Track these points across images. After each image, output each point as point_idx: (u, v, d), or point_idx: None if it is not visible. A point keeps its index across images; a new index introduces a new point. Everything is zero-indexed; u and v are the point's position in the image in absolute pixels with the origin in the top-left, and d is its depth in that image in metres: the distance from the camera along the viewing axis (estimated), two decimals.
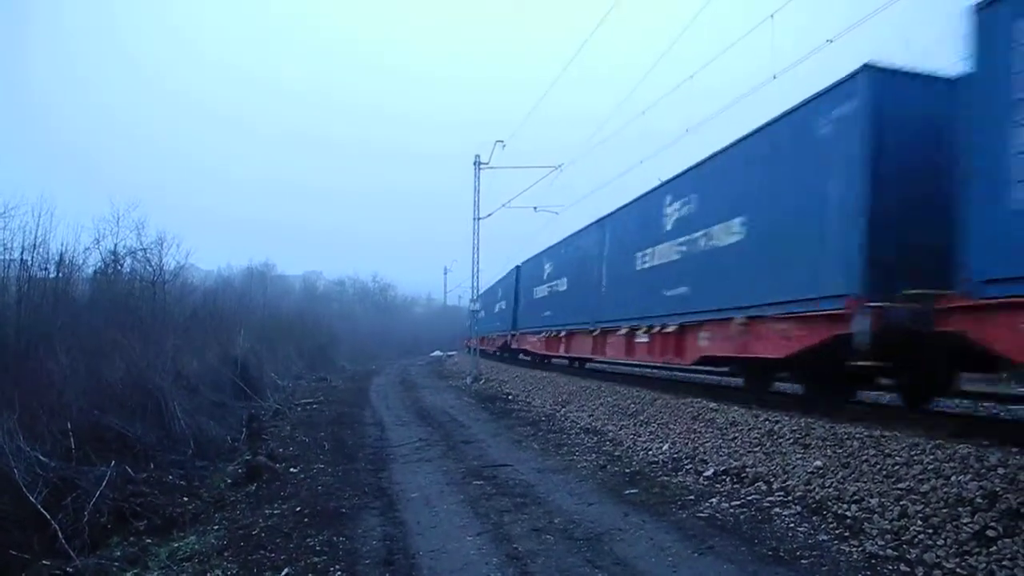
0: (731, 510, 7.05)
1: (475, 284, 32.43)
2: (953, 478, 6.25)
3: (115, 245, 24.47)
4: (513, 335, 33.39)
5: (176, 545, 7.23)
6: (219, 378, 18.95)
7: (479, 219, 30.61)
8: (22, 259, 19.16)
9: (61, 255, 20.50)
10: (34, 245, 19.33)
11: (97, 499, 8.23)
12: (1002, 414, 11.94)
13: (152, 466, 10.31)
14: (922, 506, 6.03)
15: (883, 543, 5.72)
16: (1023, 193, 6.86)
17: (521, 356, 34.97)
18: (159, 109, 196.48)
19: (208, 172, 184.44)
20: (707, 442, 9.88)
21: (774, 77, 13.09)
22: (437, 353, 63.05)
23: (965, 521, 5.60)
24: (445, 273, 76.96)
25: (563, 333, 23.83)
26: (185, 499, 9.09)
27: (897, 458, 7.06)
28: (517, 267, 33.53)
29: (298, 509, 7.89)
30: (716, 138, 13.42)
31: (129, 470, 9.46)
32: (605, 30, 22.75)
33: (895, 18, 11.46)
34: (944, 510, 5.85)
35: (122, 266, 24.82)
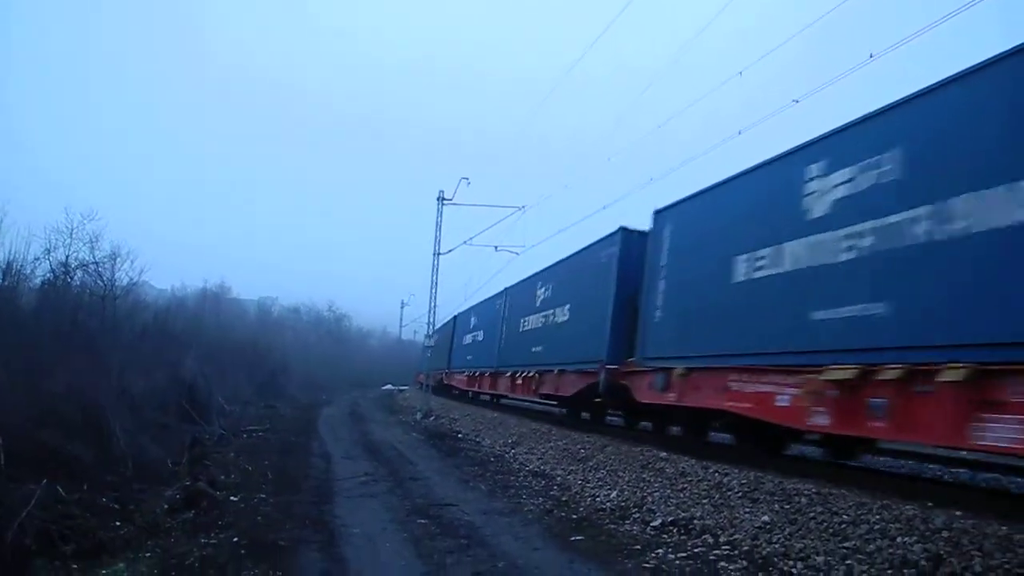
0: (677, 562, 6.96)
1: (432, 319, 32.28)
2: (899, 539, 6.26)
3: (67, 257, 23.92)
4: (498, 372, 25.65)
5: (104, 572, 6.95)
6: (165, 399, 18.44)
7: (439, 254, 30.58)
8: None
9: (8, 263, 19.94)
10: None
11: (23, 519, 7.89)
12: (945, 476, 12.04)
13: (86, 487, 9.89)
14: (868, 566, 6.03)
15: None
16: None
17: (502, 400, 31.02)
18: (123, 121, 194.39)
19: (169, 187, 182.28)
20: (656, 491, 9.80)
21: (739, 133, 13.31)
22: (389, 387, 62.52)
23: None
24: (402, 307, 76.68)
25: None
26: (118, 523, 8.74)
27: (844, 516, 7.07)
28: (506, 289, 27.37)
29: (235, 540, 7.64)
30: (681, 187, 13.53)
31: (60, 490, 9.09)
32: (573, 77, 23.11)
33: (861, 79, 11.70)
34: (889, 571, 5.86)
35: (72, 279, 24.23)
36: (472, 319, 33.15)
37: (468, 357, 32.97)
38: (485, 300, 30.98)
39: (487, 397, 32.69)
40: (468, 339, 33.78)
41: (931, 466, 13.04)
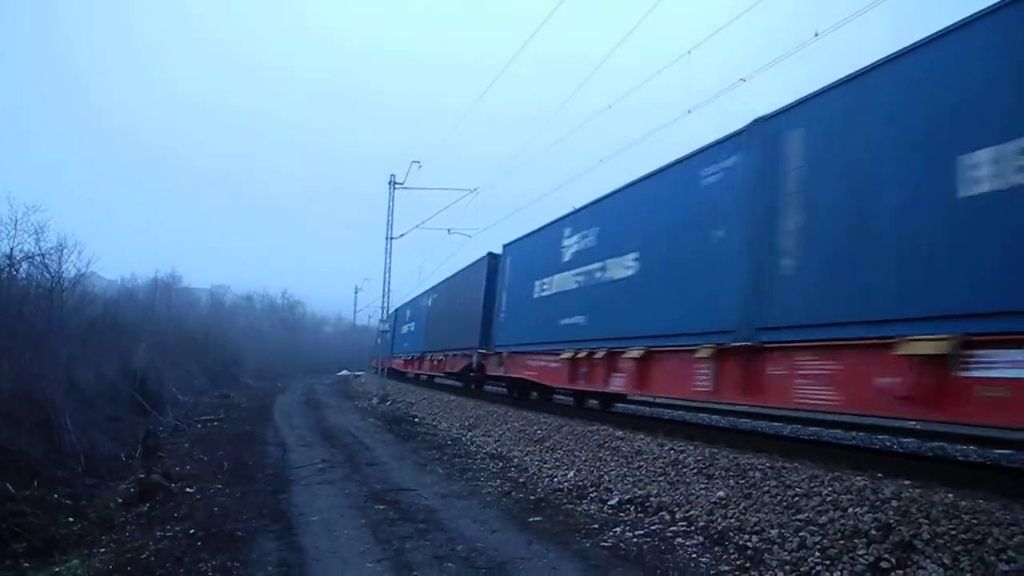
0: (634, 540, 7.04)
1: (386, 304, 32.12)
2: (850, 510, 6.39)
3: (11, 249, 23.35)
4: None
5: (57, 569, 6.84)
6: (117, 392, 18.19)
7: (392, 239, 30.41)
8: None
9: None
10: None
11: None
12: (895, 447, 12.31)
13: (36, 483, 9.73)
14: (820, 537, 6.13)
15: (782, 574, 5.80)
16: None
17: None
18: (68, 107, 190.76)
19: (116, 176, 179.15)
20: (612, 470, 9.89)
21: (688, 112, 13.37)
22: (344, 373, 62.33)
23: (861, 552, 5.72)
24: (356, 292, 76.20)
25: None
26: (71, 519, 8.62)
27: (797, 489, 7.19)
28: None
29: (192, 531, 7.56)
30: (631, 167, 13.58)
31: (10, 487, 8.94)
32: (524, 58, 22.94)
33: (808, 55, 11.83)
34: (841, 541, 5.96)
35: (17, 271, 23.66)
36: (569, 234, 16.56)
37: (571, 321, 15.70)
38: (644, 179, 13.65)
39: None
40: (557, 283, 16.83)
41: (880, 436, 13.34)
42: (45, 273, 24.60)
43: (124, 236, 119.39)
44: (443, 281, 30.51)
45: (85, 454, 11.94)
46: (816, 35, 10.87)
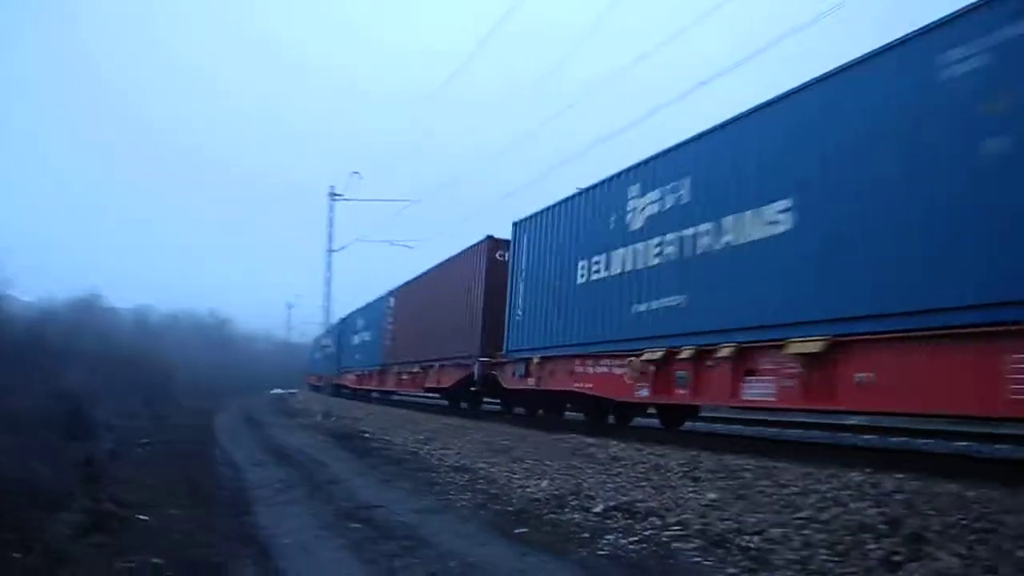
0: (631, 546, 6.80)
1: (327, 319, 31.56)
2: (852, 505, 6.29)
3: None
4: None
5: None
6: (48, 417, 17.30)
7: (332, 252, 29.87)
8: None
9: None
10: None
11: None
12: (857, 443, 12.37)
13: None
14: (826, 535, 6.01)
15: (792, 573, 5.62)
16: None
17: None
18: None
19: (28, 190, 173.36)
20: (590, 477, 9.66)
21: (678, 102, 13.28)
22: (278, 391, 60.90)
23: (871, 547, 5.60)
24: (289, 308, 74.89)
25: None
26: (17, 554, 8.01)
27: (793, 488, 7.08)
28: None
29: (156, 561, 7.09)
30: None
31: None
32: (466, 76, 22.90)
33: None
34: (848, 537, 5.84)
35: None
36: None
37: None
38: None
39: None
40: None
41: (843, 434, 13.46)
42: None
43: (38, 253, 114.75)
44: (418, 276, 26.58)
45: (21, 483, 11.23)
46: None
